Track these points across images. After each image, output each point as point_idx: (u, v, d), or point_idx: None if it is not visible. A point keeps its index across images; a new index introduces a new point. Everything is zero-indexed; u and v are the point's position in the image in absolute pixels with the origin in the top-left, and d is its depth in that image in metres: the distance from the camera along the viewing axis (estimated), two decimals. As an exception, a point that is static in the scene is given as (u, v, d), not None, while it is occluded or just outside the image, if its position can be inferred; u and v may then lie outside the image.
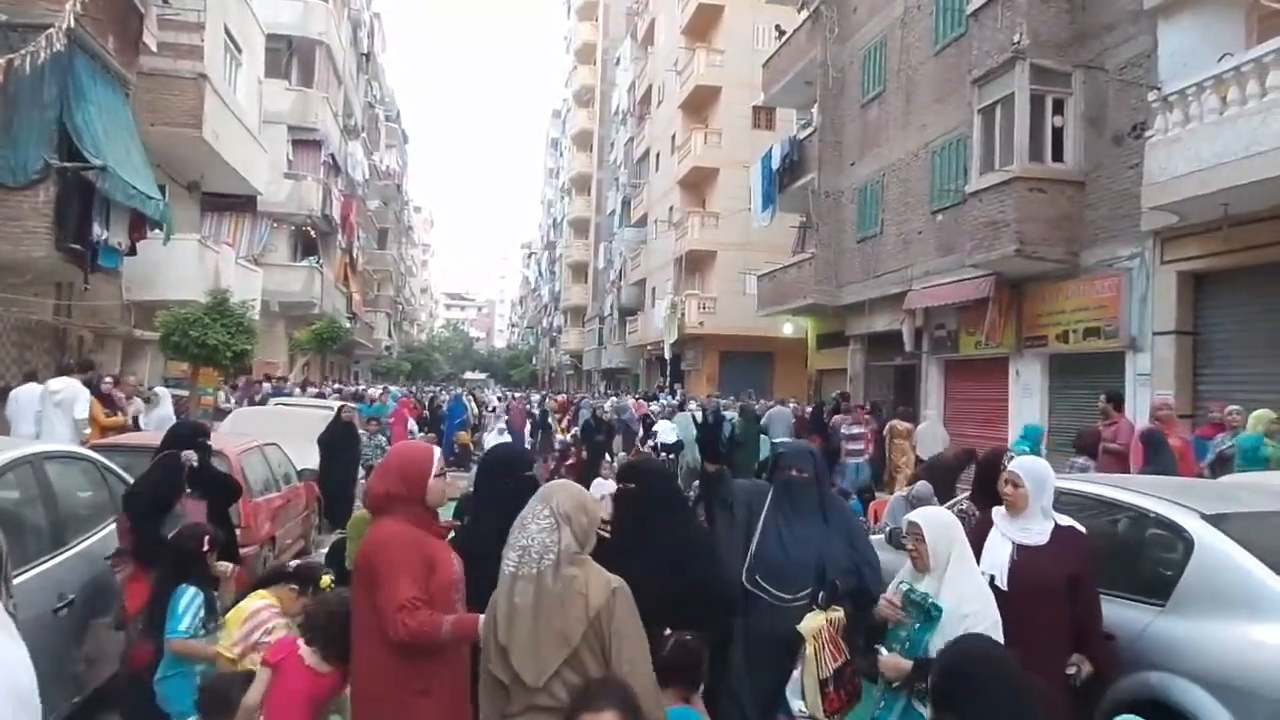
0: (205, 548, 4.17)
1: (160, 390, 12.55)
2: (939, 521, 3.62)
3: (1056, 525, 3.90)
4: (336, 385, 27.68)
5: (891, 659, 3.36)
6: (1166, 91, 10.64)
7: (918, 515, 3.65)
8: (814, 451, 4.30)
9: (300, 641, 3.36)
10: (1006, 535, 3.90)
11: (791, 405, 19.04)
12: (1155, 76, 11.39)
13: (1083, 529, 3.98)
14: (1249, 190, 9.53)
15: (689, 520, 3.95)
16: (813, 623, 3.64)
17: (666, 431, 15.91)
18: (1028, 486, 3.90)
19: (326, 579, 4.06)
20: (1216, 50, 10.62)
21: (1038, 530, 3.87)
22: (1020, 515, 3.91)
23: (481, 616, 2.78)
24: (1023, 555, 3.80)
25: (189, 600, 4.00)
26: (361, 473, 12.59)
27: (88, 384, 10.98)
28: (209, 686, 3.46)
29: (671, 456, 14.66)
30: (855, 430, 15.01)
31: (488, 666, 2.69)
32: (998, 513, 4.05)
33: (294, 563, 4.88)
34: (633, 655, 2.59)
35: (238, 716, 3.22)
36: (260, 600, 3.90)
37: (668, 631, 3.12)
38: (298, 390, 21.26)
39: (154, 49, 14.34)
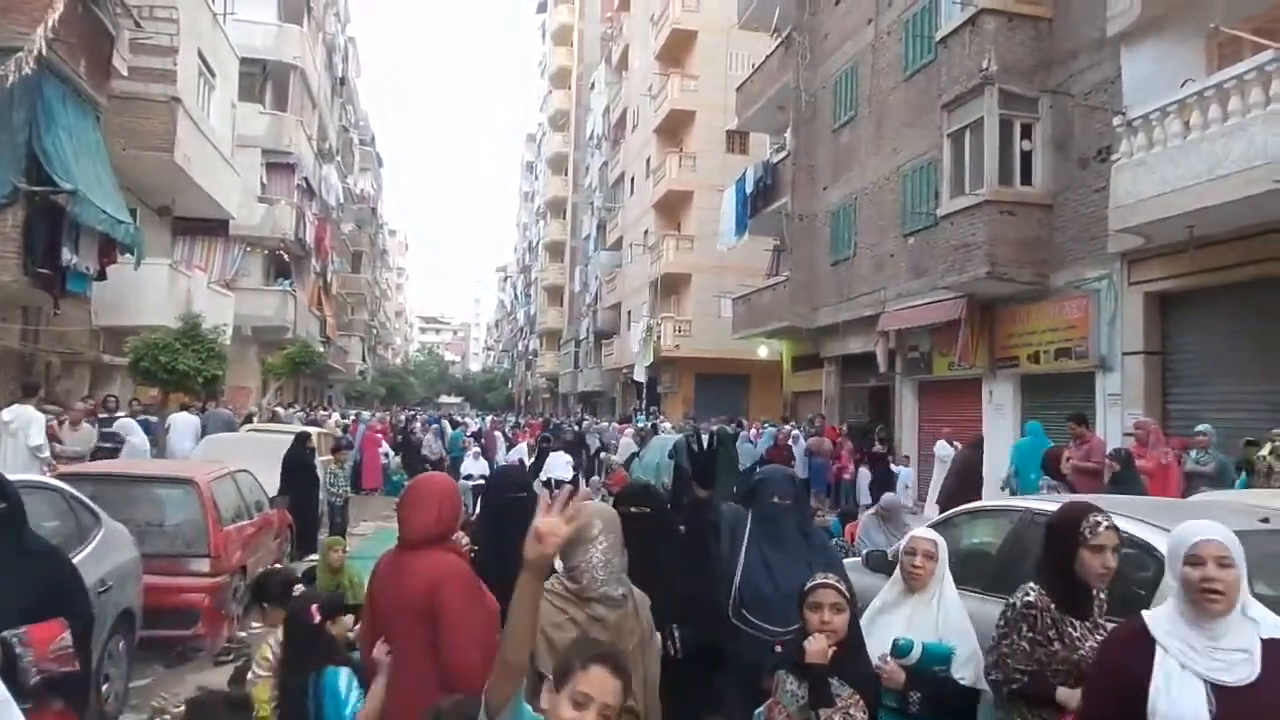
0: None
1: (128, 422, 12.09)
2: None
3: (1265, 641, 2.27)
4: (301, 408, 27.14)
5: (890, 668, 3.17)
6: (1131, 116, 10.86)
7: (931, 534, 3.50)
8: (793, 476, 4.17)
9: None
10: (1190, 668, 2.27)
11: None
12: (1120, 102, 11.61)
13: None
14: (1213, 212, 9.70)
15: (687, 542, 3.94)
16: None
17: (559, 466, 14.78)
18: (1239, 565, 2.30)
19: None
20: (1178, 76, 10.86)
21: (1241, 653, 2.25)
22: (1212, 622, 2.28)
23: None
24: (1226, 706, 2.21)
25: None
26: (322, 497, 12.40)
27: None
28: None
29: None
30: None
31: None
32: (1160, 616, 2.39)
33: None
34: (653, 670, 2.96)
35: None
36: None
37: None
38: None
39: (125, 73, 14.24)
